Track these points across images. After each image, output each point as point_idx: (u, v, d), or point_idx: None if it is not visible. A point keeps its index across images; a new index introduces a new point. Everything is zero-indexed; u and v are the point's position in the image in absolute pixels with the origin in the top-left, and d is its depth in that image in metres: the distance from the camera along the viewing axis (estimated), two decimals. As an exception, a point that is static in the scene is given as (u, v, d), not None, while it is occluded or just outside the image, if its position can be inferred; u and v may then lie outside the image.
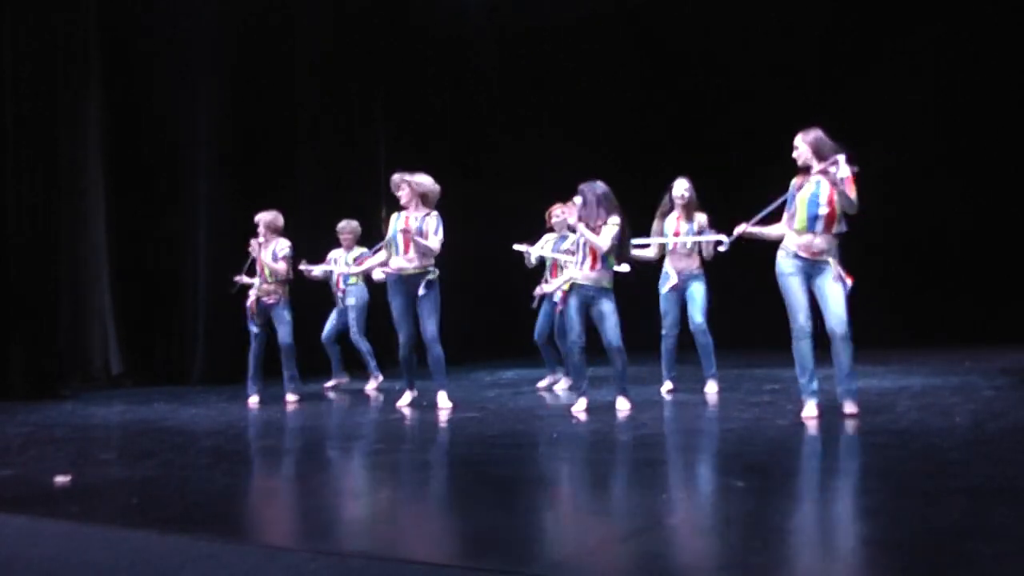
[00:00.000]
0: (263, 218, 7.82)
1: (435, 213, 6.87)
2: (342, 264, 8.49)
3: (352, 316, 8.47)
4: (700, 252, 7.12)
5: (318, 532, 3.27)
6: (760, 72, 12.99)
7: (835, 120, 13.11)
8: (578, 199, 6.27)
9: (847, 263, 5.70)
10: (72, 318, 9.55)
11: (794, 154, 5.61)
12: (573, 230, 6.54)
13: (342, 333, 8.63)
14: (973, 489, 3.41)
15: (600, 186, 6.30)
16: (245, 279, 7.91)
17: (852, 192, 5.41)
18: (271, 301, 7.71)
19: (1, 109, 8.58)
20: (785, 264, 5.49)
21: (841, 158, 5.41)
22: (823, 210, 5.41)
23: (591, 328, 6.25)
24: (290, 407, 7.34)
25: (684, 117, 13.69)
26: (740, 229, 5.70)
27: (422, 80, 12.39)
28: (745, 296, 9.83)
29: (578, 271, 6.18)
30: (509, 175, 13.01)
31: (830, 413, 5.61)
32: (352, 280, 8.41)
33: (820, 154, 5.49)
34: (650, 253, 7.18)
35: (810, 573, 2.65)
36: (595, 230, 6.13)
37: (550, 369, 8.16)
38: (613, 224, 6.11)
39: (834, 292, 5.42)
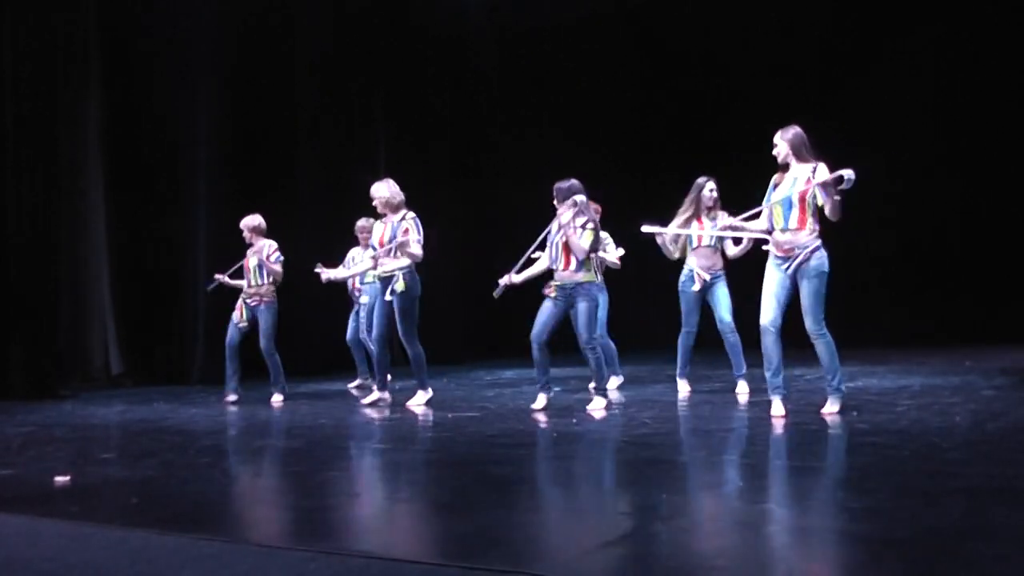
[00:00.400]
0: (247, 223, 7.92)
1: (410, 215, 6.96)
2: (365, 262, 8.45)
3: (365, 315, 8.45)
4: (723, 251, 7.08)
5: (318, 532, 3.27)
6: (760, 72, 13.00)
7: (835, 120, 13.21)
8: (580, 198, 6.30)
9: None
10: (72, 318, 9.55)
11: (774, 151, 5.69)
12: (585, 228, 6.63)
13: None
14: (973, 489, 3.41)
15: (576, 184, 6.41)
16: (226, 279, 7.94)
17: (829, 197, 5.47)
18: (254, 303, 7.78)
19: (1, 109, 8.58)
20: (768, 262, 5.63)
21: (822, 166, 5.56)
22: (795, 208, 5.48)
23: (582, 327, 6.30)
24: (276, 408, 7.36)
25: (684, 117, 13.70)
26: (727, 224, 5.81)
27: (422, 80, 12.39)
28: (750, 295, 9.84)
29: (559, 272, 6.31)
30: (509, 175, 13.02)
31: (820, 412, 5.62)
32: (368, 279, 8.39)
33: (800, 152, 5.58)
34: (673, 254, 7.13)
35: (810, 573, 2.65)
36: (572, 229, 6.24)
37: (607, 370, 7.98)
38: (590, 229, 6.25)
39: (805, 290, 5.46)
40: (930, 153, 12.27)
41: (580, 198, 6.31)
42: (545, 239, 6.49)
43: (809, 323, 5.46)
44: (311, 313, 10.47)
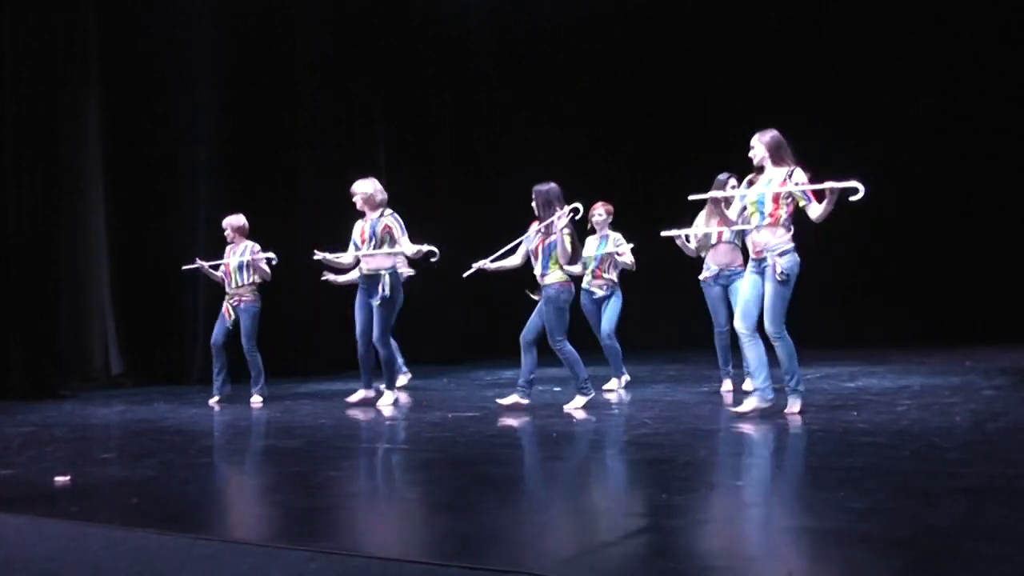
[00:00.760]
0: (232, 222, 7.91)
1: (389, 212, 7.04)
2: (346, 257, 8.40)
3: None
4: (744, 248, 6.97)
5: (318, 532, 3.27)
6: (761, 72, 13.00)
7: (836, 121, 13.21)
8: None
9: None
10: (72, 318, 9.55)
11: (750, 153, 5.75)
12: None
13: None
14: (973, 489, 3.41)
15: (555, 187, 6.44)
16: (205, 266, 7.91)
17: (812, 198, 5.56)
18: (235, 303, 7.81)
19: (1, 109, 8.58)
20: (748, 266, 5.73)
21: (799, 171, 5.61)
22: (768, 208, 5.55)
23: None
24: (256, 409, 7.38)
25: (684, 117, 13.70)
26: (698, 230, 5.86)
27: (422, 80, 12.39)
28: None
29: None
30: (509, 175, 13.01)
31: (830, 412, 5.62)
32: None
33: (776, 155, 5.65)
34: (695, 252, 7.08)
35: (810, 572, 2.65)
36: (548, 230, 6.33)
37: (615, 370, 7.99)
38: (567, 233, 6.28)
39: (766, 292, 5.55)
40: (929, 153, 12.27)
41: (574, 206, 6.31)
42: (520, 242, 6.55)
43: (767, 325, 5.57)
44: (311, 313, 10.47)
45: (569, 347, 6.41)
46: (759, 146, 5.71)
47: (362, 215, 7.20)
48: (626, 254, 7.57)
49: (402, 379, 8.56)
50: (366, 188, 7.09)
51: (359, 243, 7.09)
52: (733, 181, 6.89)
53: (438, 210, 11.62)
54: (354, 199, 7.12)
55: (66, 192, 9.37)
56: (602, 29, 13.40)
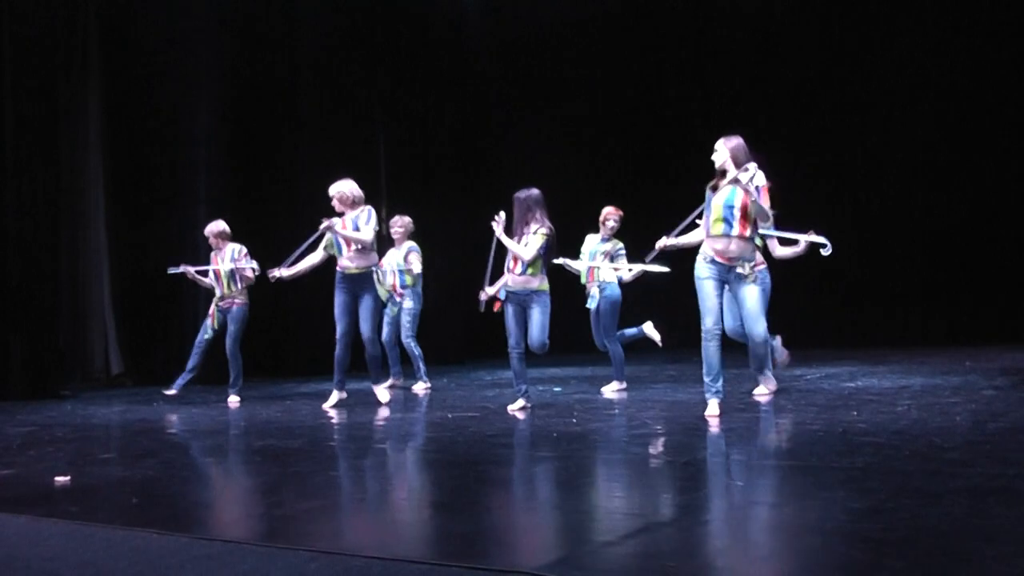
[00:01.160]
0: (213, 230, 8.00)
1: (366, 208, 7.09)
2: (392, 266, 8.41)
3: (407, 319, 8.41)
4: (766, 249, 6.90)
5: (318, 532, 3.26)
6: (762, 72, 13.01)
7: (836, 121, 13.19)
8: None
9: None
10: (72, 318, 9.57)
11: (713, 156, 5.76)
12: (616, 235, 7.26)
13: (397, 334, 8.57)
14: (973, 489, 3.41)
15: (535, 193, 6.49)
16: (191, 271, 7.98)
17: (765, 201, 5.58)
18: (226, 306, 7.89)
19: (1, 109, 8.58)
20: (701, 269, 5.68)
21: (752, 166, 5.61)
22: (736, 215, 5.56)
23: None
24: (232, 408, 7.46)
25: (684, 117, 13.70)
26: (661, 243, 5.84)
27: (422, 80, 12.40)
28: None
29: (510, 276, 6.40)
30: (509, 175, 13.01)
31: (830, 412, 5.62)
32: (409, 282, 8.37)
33: (737, 162, 5.66)
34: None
35: (810, 572, 2.65)
36: (524, 235, 6.37)
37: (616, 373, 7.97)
38: (541, 234, 6.31)
39: (749, 296, 5.61)
40: (930, 155, 12.27)
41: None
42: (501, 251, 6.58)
43: (756, 329, 5.67)
44: (311, 314, 10.48)
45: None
46: (724, 150, 5.71)
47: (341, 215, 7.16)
48: (622, 268, 7.48)
49: (421, 384, 8.56)
50: (341, 188, 7.10)
51: (343, 243, 7.01)
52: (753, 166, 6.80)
53: (438, 209, 11.63)
54: (332, 202, 7.12)
55: (66, 192, 9.38)
56: (602, 29, 13.41)
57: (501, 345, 12.79)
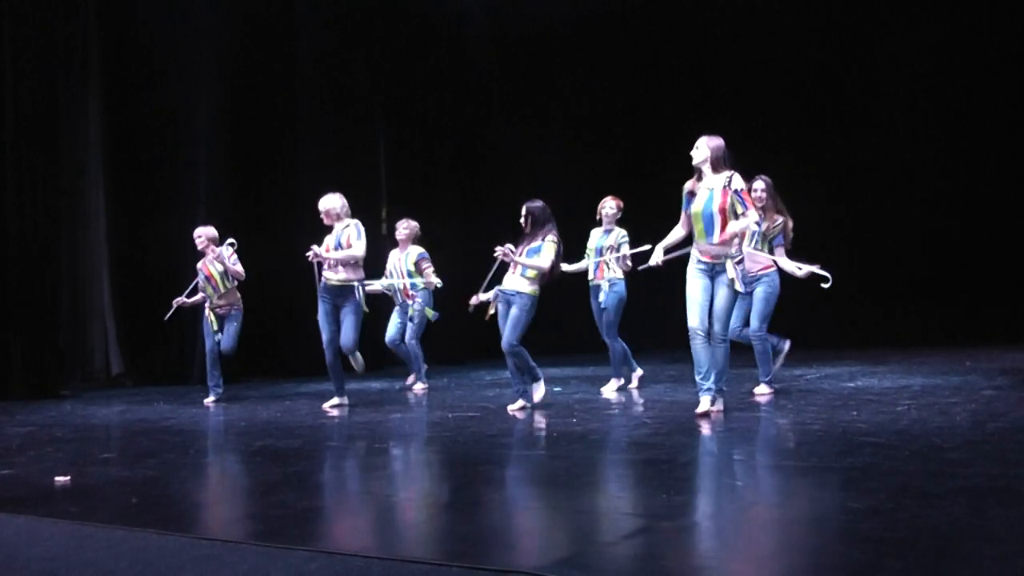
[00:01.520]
0: (207, 233, 8.00)
1: (353, 222, 7.08)
2: (399, 267, 8.41)
3: (416, 321, 8.40)
4: (772, 253, 6.81)
5: (318, 532, 3.27)
6: (760, 73, 13.00)
7: (837, 122, 13.16)
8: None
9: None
10: (72, 318, 9.56)
11: (693, 152, 5.75)
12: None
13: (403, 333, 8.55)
14: (973, 489, 3.41)
15: (544, 205, 6.54)
16: (185, 300, 8.07)
17: (749, 205, 5.61)
18: (224, 311, 7.95)
19: (1, 109, 8.58)
20: (689, 268, 5.75)
21: (734, 174, 5.63)
22: (716, 218, 5.60)
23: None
24: (210, 407, 7.56)
25: (685, 117, 13.69)
26: (655, 262, 5.87)
27: (422, 80, 12.40)
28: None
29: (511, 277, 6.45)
30: (509, 175, 13.02)
31: (830, 412, 5.62)
32: (420, 286, 8.37)
33: (717, 164, 5.67)
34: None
35: (809, 572, 2.65)
36: (532, 243, 6.41)
37: (627, 366, 7.92)
38: (551, 242, 6.38)
39: (720, 296, 5.64)
40: (930, 155, 12.27)
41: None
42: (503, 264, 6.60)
43: (717, 328, 5.66)
44: (311, 314, 10.47)
45: (524, 351, 6.46)
46: (704, 150, 5.70)
47: (330, 230, 7.16)
48: (626, 255, 7.47)
49: (421, 386, 8.55)
50: (329, 204, 7.12)
51: (324, 254, 6.99)
52: (759, 183, 6.74)
53: (438, 209, 11.63)
54: (321, 215, 7.15)
55: (66, 192, 9.38)
56: (602, 29, 13.40)
57: (500, 346, 12.78)
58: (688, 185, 5.77)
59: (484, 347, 12.29)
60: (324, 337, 7.01)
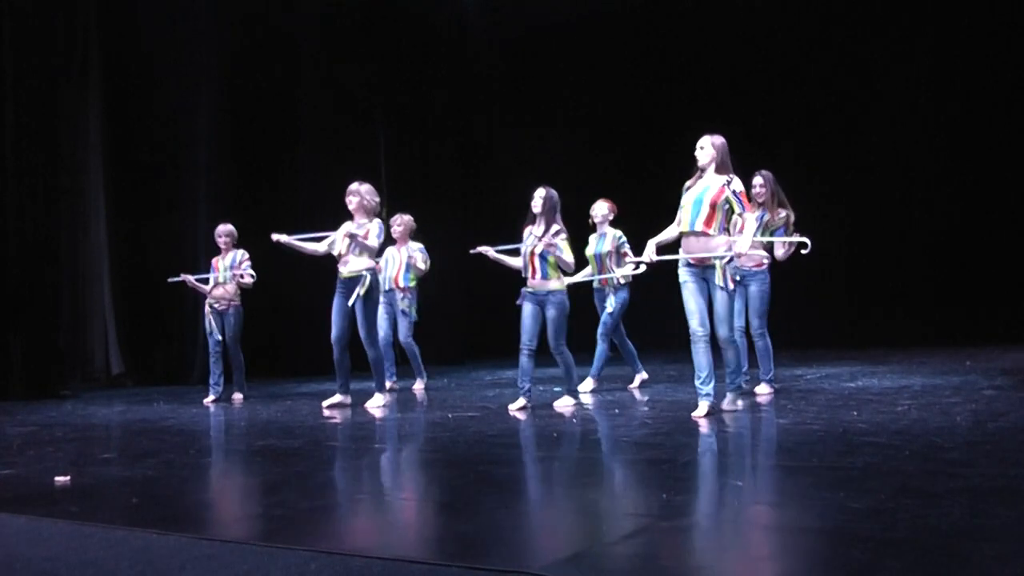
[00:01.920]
0: (229, 230, 8.13)
1: (377, 221, 7.04)
2: (397, 263, 8.41)
3: (410, 320, 8.39)
4: (770, 248, 6.78)
5: (318, 532, 3.26)
6: (760, 73, 13.00)
7: (837, 122, 13.15)
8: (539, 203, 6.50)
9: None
10: (72, 318, 9.56)
11: (698, 152, 5.74)
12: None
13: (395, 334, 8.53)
14: (973, 489, 3.41)
15: (555, 193, 6.58)
16: (191, 280, 8.12)
17: (747, 207, 5.63)
18: (223, 308, 8.02)
19: (1, 109, 8.59)
20: (680, 273, 5.73)
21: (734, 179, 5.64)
22: (705, 208, 5.58)
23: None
24: (236, 405, 7.63)
25: (685, 117, 13.69)
26: (646, 258, 5.83)
27: (422, 80, 12.40)
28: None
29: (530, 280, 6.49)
30: (509, 174, 13.02)
31: (830, 412, 5.62)
32: (412, 283, 8.36)
33: (722, 165, 5.67)
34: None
35: (810, 572, 2.65)
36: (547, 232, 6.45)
37: (633, 367, 7.96)
38: (564, 238, 6.45)
39: (717, 300, 5.63)
40: (929, 154, 12.26)
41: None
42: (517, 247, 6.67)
43: (724, 332, 5.64)
44: (311, 314, 10.47)
45: (568, 352, 6.57)
46: (709, 148, 5.70)
47: (350, 217, 7.10)
48: (628, 254, 7.47)
49: (419, 383, 8.56)
50: (365, 192, 7.05)
51: (341, 246, 6.98)
52: (758, 179, 6.73)
53: (438, 209, 11.63)
54: (348, 197, 7.02)
55: (66, 192, 9.38)
56: (602, 29, 13.40)
57: (501, 345, 12.81)
58: (689, 183, 5.77)
59: (484, 347, 12.31)
60: (333, 332, 6.95)
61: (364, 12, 11.66)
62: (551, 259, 6.40)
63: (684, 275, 5.68)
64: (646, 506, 3.50)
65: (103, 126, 10.09)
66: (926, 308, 12.13)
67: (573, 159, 12.89)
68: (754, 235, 6.48)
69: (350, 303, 6.86)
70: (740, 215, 5.63)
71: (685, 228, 5.65)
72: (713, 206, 5.56)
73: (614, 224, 7.67)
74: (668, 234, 5.83)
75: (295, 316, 10.50)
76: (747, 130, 12.43)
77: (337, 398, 7.13)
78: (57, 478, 4.17)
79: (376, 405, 7.00)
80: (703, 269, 5.64)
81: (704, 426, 5.40)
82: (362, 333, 6.90)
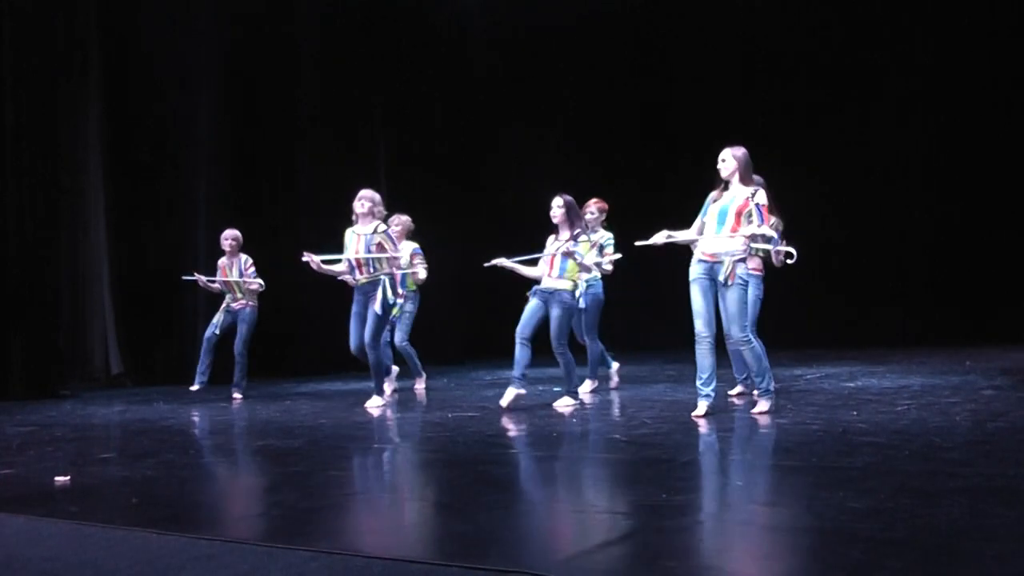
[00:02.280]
0: (236, 235, 8.16)
1: (383, 228, 7.01)
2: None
3: (407, 322, 8.38)
4: (768, 261, 6.75)
5: (318, 532, 3.27)
6: (760, 74, 13.00)
7: (837, 122, 13.14)
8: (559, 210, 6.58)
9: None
10: (72, 318, 9.56)
11: (720, 165, 5.75)
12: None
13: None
14: (973, 489, 3.41)
15: (571, 199, 6.65)
16: (203, 280, 8.15)
17: (767, 220, 5.62)
18: (239, 307, 8.14)
19: (1, 109, 8.58)
20: (691, 270, 5.74)
21: (759, 189, 5.66)
22: (731, 217, 5.61)
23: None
24: (236, 405, 7.65)
25: (686, 117, 13.69)
26: (657, 240, 5.83)
27: (422, 81, 12.39)
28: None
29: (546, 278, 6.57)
30: (509, 176, 13.02)
31: (830, 412, 5.62)
32: (410, 286, 8.34)
33: (745, 175, 5.68)
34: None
35: (810, 572, 2.65)
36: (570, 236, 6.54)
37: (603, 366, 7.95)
38: (584, 240, 6.55)
39: (728, 299, 5.61)
40: (929, 154, 12.27)
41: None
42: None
43: (735, 331, 5.62)
44: (311, 314, 10.48)
45: (570, 353, 6.61)
46: (731, 160, 5.70)
47: (351, 223, 7.07)
48: (608, 256, 7.45)
49: (419, 383, 8.54)
50: (378, 200, 7.05)
51: (353, 255, 6.95)
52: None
53: (438, 210, 11.61)
54: (360, 201, 6.97)
55: (66, 192, 9.37)
56: (602, 29, 13.39)
57: (501, 345, 12.79)
58: (713, 194, 5.76)
59: (484, 347, 12.30)
60: (352, 342, 6.98)
61: (364, 12, 11.65)
62: (570, 261, 6.46)
63: (694, 272, 5.69)
64: (646, 506, 3.50)
65: (103, 126, 10.09)
66: (926, 308, 12.13)
67: (573, 159, 12.88)
68: (755, 241, 6.49)
69: (374, 309, 6.83)
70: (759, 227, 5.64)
71: (709, 234, 5.65)
72: (739, 215, 5.58)
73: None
74: (685, 234, 5.83)
75: (294, 317, 10.49)
76: (747, 130, 12.43)
77: (377, 401, 7.09)
78: (57, 478, 4.17)
79: (374, 406, 7.00)
80: (712, 266, 5.61)
81: (704, 426, 5.40)
82: (367, 336, 6.88)
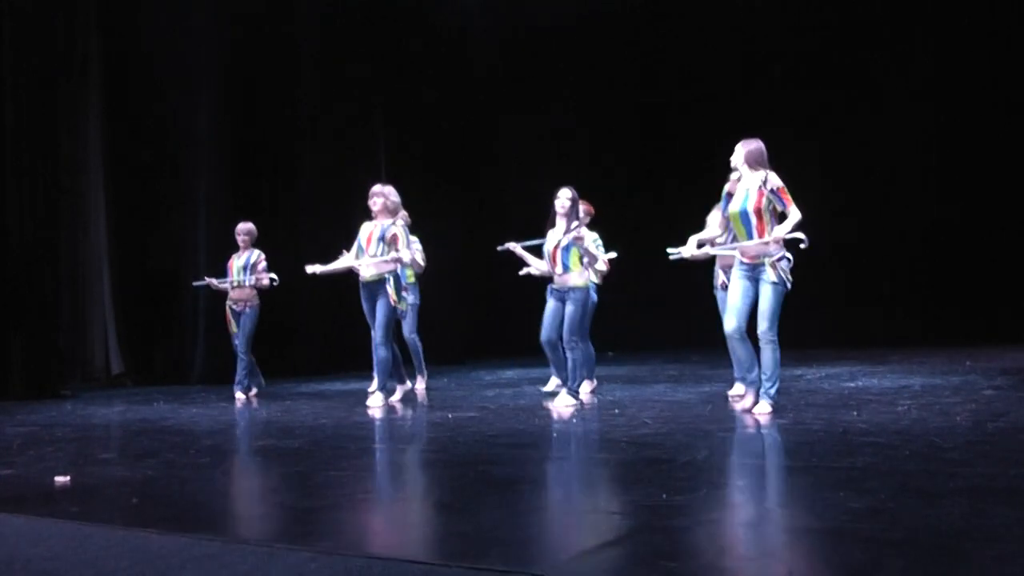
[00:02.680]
0: (249, 229, 8.19)
1: (399, 223, 7.10)
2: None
3: (411, 315, 8.41)
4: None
5: (318, 532, 3.26)
6: (760, 74, 13.00)
7: (837, 122, 13.15)
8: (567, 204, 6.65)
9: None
10: (72, 318, 9.56)
11: (732, 158, 5.87)
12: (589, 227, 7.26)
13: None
14: (973, 489, 3.41)
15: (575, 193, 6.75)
16: (214, 282, 8.20)
17: (789, 203, 5.65)
18: (240, 308, 8.14)
19: (1, 109, 8.58)
20: (734, 270, 5.87)
21: (770, 173, 5.71)
22: (752, 218, 5.67)
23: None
24: (239, 404, 7.74)
25: (686, 117, 13.70)
26: (687, 253, 6.11)
27: (422, 80, 12.39)
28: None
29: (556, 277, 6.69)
30: (508, 175, 13.03)
31: (830, 412, 5.62)
32: (410, 277, 8.34)
33: (753, 164, 5.75)
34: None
35: (810, 572, 2.65)
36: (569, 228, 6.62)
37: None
38: (590, 235, 6.69)
39: (764, 297, 5.68)
40: (929, 154, 12.27)
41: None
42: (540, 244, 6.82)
43: (764, 328, 5.67)
44: (311, 314, 10.48)
45: (581, 349, 6.74)
46: (739, 151, 5.83)
47: (369, 218, 7.17)
48: (602, 257, 7.44)
49: (420, 382, 8.55)
50: (389, 193, 7.13)
51: (364, 246, 7.09)
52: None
53: (438, 210, 11.62)
54: (373, 199, 7.09)
55: (66, 192, 9.38)
56: (602, 29, 13.40)
57: (501, 345, 12.80)
58: (728, 187, 5.88)
59: (484, 347, 12.31)
60: (373, 337, 7.16)
61: (364, 12, 11.65)
62: (574, 251, 6.53)
63: (736, 272, 5.81)
64: (646, 506, 3.50)
65: (103, 126, 10.09)
66: (926, 308, 12.13)
67: (574, 159, 12.89)
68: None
69: (399, 305, 7.05)
70: (784, 212, 5.66)
71: (741, 235, 5.75)
72: (759, 214, 5.64)
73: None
74: (709, 232, 6.04)
75: (294, 316, 10.50)
76: (747, 130, 12.44)
77: (399, 392, 7.40)
78: (57, 478, 4.17)
79: (376, 404, 7.01)
80: (753, 267, 5.70)
81: (703, 426, 5.40)
82: (378, 334, 7.02)
